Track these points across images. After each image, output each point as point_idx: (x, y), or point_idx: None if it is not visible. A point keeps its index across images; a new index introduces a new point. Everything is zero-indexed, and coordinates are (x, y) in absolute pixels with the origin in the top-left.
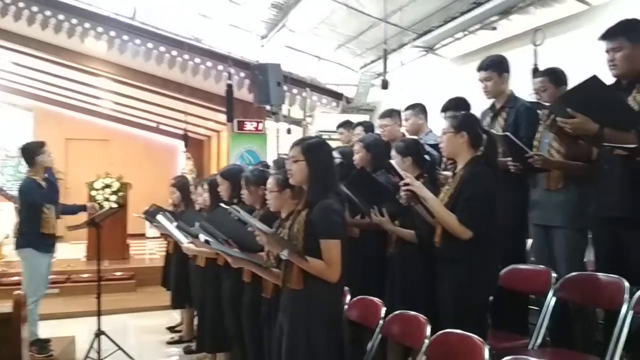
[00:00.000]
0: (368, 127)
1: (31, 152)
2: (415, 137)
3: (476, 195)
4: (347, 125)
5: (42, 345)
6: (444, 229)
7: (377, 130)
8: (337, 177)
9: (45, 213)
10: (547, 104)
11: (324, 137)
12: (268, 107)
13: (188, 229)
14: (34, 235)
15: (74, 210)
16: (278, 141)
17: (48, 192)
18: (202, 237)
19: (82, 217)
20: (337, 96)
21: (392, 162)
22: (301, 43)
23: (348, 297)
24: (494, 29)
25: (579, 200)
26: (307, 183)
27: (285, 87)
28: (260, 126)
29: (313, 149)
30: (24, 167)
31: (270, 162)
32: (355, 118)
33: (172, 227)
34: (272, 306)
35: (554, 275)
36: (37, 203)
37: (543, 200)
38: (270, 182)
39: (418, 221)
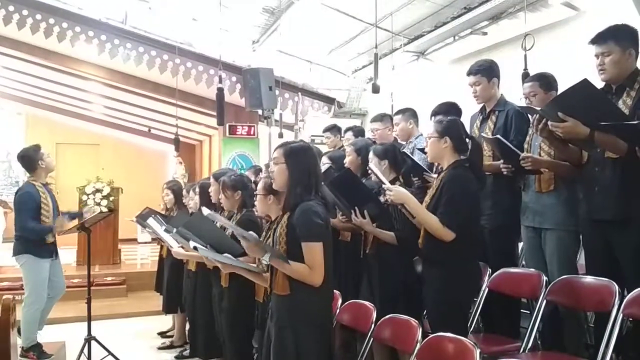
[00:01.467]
0: (358, 131)
1: (32, 158)
2: (405, 141)
3: (456, 196)
4: (334, 129)
5: (41, 350)
6: (426, 231)
7: (369, 134)
8: (321, 181)
9: (44, 221)
10: (537, 108)
11: (315, 141)
12: (260, 112)
13: (174, 236)
14: (30, 241)
15: (72, 217)
16: (270, 146)
17: (44, 202)
18: (192, 243)
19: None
20: (329, 101)
21: (372, 165)
22: (293, 47)
23: (339, 302)
24: (485, 34)
25: (570, 202)
26: (288, 186)
27: (277, 92)
28: (252, 130)
29: (294, 153)
30: (14, 172)
31: (262, 166)
32: (347, 123)
33: (162, 231)
34: (263, 311)
35: (544, 278)
36: (25, 216)
37: (534, 202)
38: (260, 185)
39: (399, 223)
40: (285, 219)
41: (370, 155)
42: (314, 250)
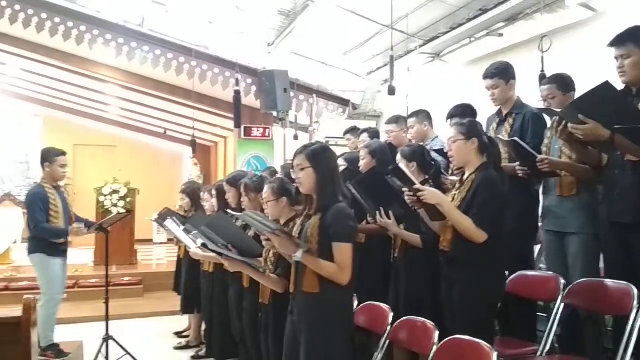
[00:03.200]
0: (373, 133)
1: (44, 157)
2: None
3: (490, 199)
4: (354, 131)
5: (58, 350)
6: (455, 233)
7: (383, 137)
8: (343, 182)
9: (52, 222)
10: (558, 110)
11: (330, 143)
12: (275, 114)
13: (195, 236)
14: (43, 240)
15: (89, 226)
16: (285, 147)
17: (53, 203)
18: (199, 240)
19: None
20: (343, 102)
21: (402, 165)
22: (308, 50)
23: (355, 303)
24: (501, 35)
25: (592, 206)
26: (316, 188)
27: (292, 94)
28: (267, 132)
29: (317, 155)
30: (32, 173)
31: (278, 168)
32: (362, 124)
33: (180, 232)
34: (270, 312)
35: (562, 281)
36: (37, 215)
37: (556, 206)
38: (266, 191)
39: (424, 225)
40: (316, 220)
41: (398, 157)
42: (345, 251)
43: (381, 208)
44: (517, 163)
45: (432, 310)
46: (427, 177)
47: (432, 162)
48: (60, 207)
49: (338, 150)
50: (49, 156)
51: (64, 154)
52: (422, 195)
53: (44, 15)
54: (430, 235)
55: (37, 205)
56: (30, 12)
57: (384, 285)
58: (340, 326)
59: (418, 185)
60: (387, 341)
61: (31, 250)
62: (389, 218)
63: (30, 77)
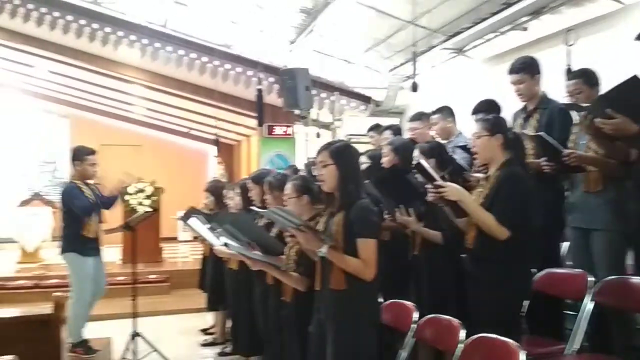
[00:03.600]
0: (396, 130)
1: (75, 156)
2: (445, 140)
3: (513, 196)
4: (377, 128)
5: (87, 346)
6: (479, 230)
7: (406, 134)
8: (364, 179)
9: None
10: (584, 105)
11: (352, 140)
12: (297, 112)
13: (219, 233)
14: (76, 239)
15: (112, 200)
16: (307, 145)
17: (87, 199)
18: (222, 239)
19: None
20: (365, 99)
21: (423, 162)
22: (329, 47)
23: (380, 301)
24: (525, 29)
25: (619, 202)
26: (339, 185)
27: (313, 91)
28: (289, 130)
29: (340, 152)
30: (60, 173)
31: (300, 166)
32: (384, 121)
33: (205, 230)
34: (291, 310)
35: (590, 279)
36: (77, 209)
37: (582, 202)
38: (288, 188)
39: (444, 223)
40: (340, 217)
41: (416, 153)
42: (369, 246)
43: (401, 205)
44: (543, 158)
45: (454, 308)
46: (443, 174)
47: (450, 159)
48: (94, 199)
49: (360, 148)
50: (79, 155)
51: (93, 152)
52: (444, 192)
53: (70, 18)
54: (451, 232)
55: (76, 197)
56: (57, 14)
57: (403, 284)
58: (367, 323)
59: (440, 182)
60: (413, 339)
61: (64, 249)
62: (409, 215)
63: (57, 79)
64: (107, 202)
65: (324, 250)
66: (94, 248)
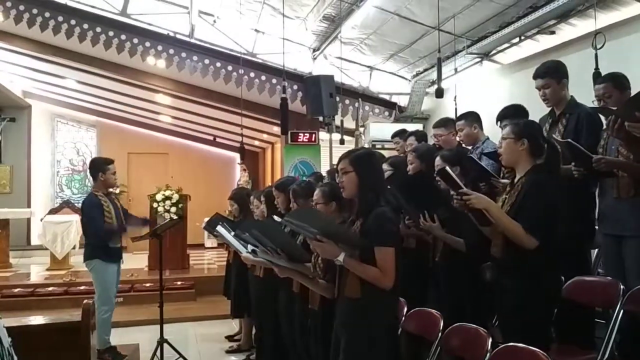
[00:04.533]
0: (420, 136)
1: (96, 168)
2: (470, 146)
3: (541, 203)
4: (402, 134)
5: (115, 352)
6: (506, 239)
7: (431, 140)
8: (386, 186)
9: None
10: (613, 108)
11: (377, 147)
12: (321, 119)
13: (244, 238)
14: (99, 247)
15: (135, 223)
16: (331, 152)
17: (102, 222)
18: (250, 246)
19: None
20: (389, 105)
21: (447, 169)
22: (353, 54)
23: (405, 309)
24: (553, 33)
25: None
26: (359, 193)
27: (337, 98)
28: (314, 137)
29: (361, 160)
30: (89, 181)
31: (323, 173)
32: (409, 127)
33: (230, 237)
34: (318, 318)
35: (621, 287)
36: (97, 221)
37: (613, 209)
38: (317, 194)
39: (466, 230)
40: (358, 224)
41: (439, 161)
42: (386, 255)
43: (425, 211)
44: (573, 164)
45: (472, 315)
46: (465, 181)
47: (475, 165)
48: (113, 214)
49: (385, 154)
50: (101, 166)
51: (112, 161)
52: (469, 200)
53: (98, 29)
54: (473, 239)
55: (95, 213)
56: (85, 26)
57: (423, 290)
58: (382, 332)
59: (465, 190)
60: (439, 348)
61: (87, 257)
62: (433, 221)
63: (86, 89)
64: (131, 221)
65: (341, 258)
66: (117, 255)
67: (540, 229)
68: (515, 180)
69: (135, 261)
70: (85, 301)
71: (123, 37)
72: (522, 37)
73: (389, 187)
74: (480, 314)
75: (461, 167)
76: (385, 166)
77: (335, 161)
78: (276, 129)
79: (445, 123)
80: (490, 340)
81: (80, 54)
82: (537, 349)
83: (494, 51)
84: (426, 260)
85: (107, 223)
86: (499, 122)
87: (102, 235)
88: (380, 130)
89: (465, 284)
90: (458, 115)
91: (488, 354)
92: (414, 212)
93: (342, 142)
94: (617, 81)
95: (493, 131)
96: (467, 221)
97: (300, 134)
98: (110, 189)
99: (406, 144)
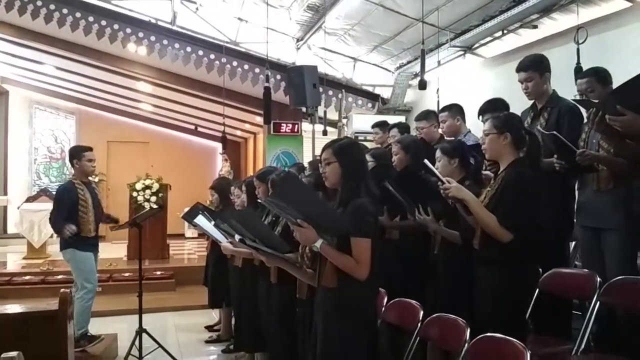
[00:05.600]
0: (403, 128)
1: (72, 155)
2: (451, 139)
3: (517, 197)
4: (382, 125)
5: (90, 336)
6: (484, 231)
7: (414, 132)
8: (370, 177)
9: (82, 217)
10: (594, 101)
11: (359, 138)
12: (304, 109)
13: (224, 228)
14: (73, 236)
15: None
16: (314, 143)
17: (82, 199)
18: (237, 236)
19: (124, 217)
20: (373, 97)
21: (426, 161)
22: (337, 45)
23: (385, 299)
24: (535, 27)
25: (630, 202)
26: (342, 183)
27: (321, 89)
28: (296, 128)
29: (344, 150)
30: (68, 169)
31: (306, 164)
32: (392, 119)
33: (210, 227)
34: (306, 307)
35: (598, 279)
36: (72, 206)
37: (592, 202)
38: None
39: (464, 222)
40: None
41: (438, 154)
42: (362, 246)
43: (420, 205)
44: (554, 157)
45: (469, 308)
46: (467, 174)
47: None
48: (89, 203)
49: (368, 145)
50: (76, 153)
51: (90, 149)
52: (449, 191)
53: (78, 15)
54: (470, 232)
55: (62, 201)
56: (65, 11)
57: (420, 283)
58: (358, 322)
59: (444, 180)
60: (418, 338)
61: (62, 246)
62: (427, 215)
63: (65, 75)
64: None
65: (318, 245)
66: (93, 244)
67: (515, 223)
68: (498, 173)
69: (114, 251)
70: (62, 290)
71: (103, 22)
72: (505, 31)
73: (386, 180)
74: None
75: (460, 160)
76: (368, 157)
77: (317, 152)
78: (259, 119)
79: (426, 116)
80: (469, 330)
81: (59, 39)
82: (515, 340)
83: (477, 44)
84: (424, 252)
85: (80, 212)
86: (480, 116)
87: (52, 223)
88: (363, 121)
89: (461, 276)
90: (441, 107)
91: (466, 344)
92: (410, 206)
93: (325, 133)
94: (600, 76)
95: (475, 124)
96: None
97: (282, 125)
98: (90, 178)
99: (389, 136)
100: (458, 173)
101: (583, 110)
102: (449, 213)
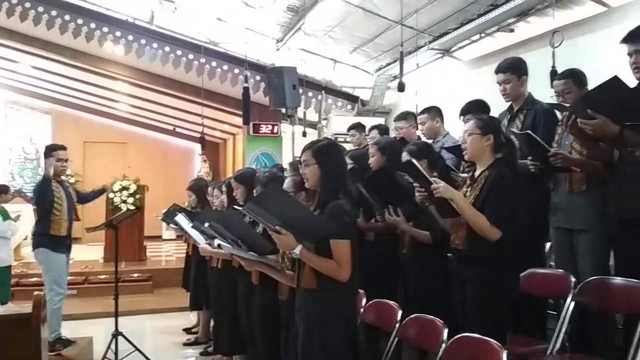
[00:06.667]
0: (383, 130)
1: (44, 154)
2: (431, 140)
3: (504, 196)
4: (358, 127)
5: (65, 341)
6: (469, 231)
7: (393, 133)
8: (348, 178)
9: (55, 215)
10: (568, 105)
11: (339, 140)
12: (284, 110)
13: (203, 230)
14: (45, 236)
15: (92, 197)
16: (293, 144)
17: (57, 196)
18: (217, 241)
19: (101, 218)
20: (352, 99)
21: (415, 161)
22: (317, 46)
23: (364, 300)
24: (512, 31)
25: (603, 203)
26: (321, 184)
27: (300, 90)
28: (276, 129)
29: (323, 151)
30: (42, 170)
31: (285, 165)
32: (371, 121)
33: (189, 228)
34: (287, 308)
35: (573, 279)
36: (46, 204)
37: (566, 203)
38: (288, 183)
39: (434, 222)
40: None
41: (405, 155)
42: (342, 248)
43: (390, 206)
44: (529, 159)
45: (440, 307)
46: (435, 174)
47: (440, 157)
48: (64, 202)
49: (347, 147)
50: (47, 152)
51: (62, 148)
52: (437, 190)
53: (54, 13)
54: (440, 232)
55: (44, 197)
56: (41, 9)
57: (393, 283)
58: (338, 323)
59: (433, 179)
60: (396, 339)
61: (35, 246)
62: (397, 215)
63: (41, 75)
64: (85, 198)
65: (297, 251)
66: (65, 245)
67: (503, 221)
68: (477, 173)
69: (90, 252)
70: (35, 293)
71: (80, 21)
72: (483, 34)
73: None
74: (446, 304)
75: (429, 160)
76: (346, 159)
77: (297, 153)
78: (238, 120)
79: (405, 116)
80: (447, 330)
81: (35, 38)
82: (491, 339)
83: (455, 47)
84: (394, 251)
85: (54, 211)
86: (461, 117)
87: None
88: (343, 123)
89: (432, 275)
90: (421, 109)
91: (444, 344)
92: (380, 207)
93: (304, 134)
94: (577, 78)
95: (454, 126)
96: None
97: (262, 126)
98: (63, 177)
99: (369, 138)
100: (427, 173)
101: (558, 113)
102: (419, 214)
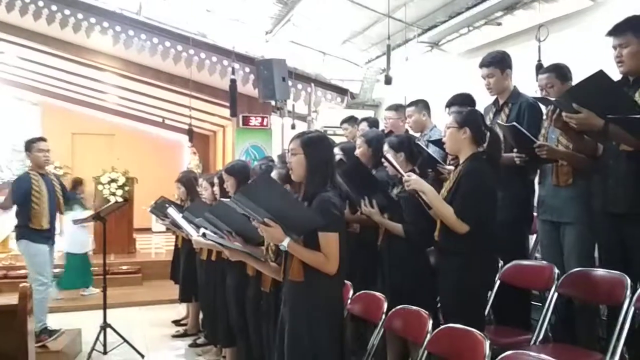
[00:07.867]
0: (373, 122)
1: (25, 148)
2: (418, 133)
3: (473, 190)
4: (351, 120)
5: (50, 330)
6: (443, 223)
7: (382, 122)
8: (336, 172)
9: (34, 208)
10: (553, 99)
11: (328, 133)
12: (273, 103)
13: (195, 221)
14: (26, 228)
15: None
16: (283, 136)
17: (36, 189)
18: (201, 230)
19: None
20: (342, 92)
21: (389, 156)
22: (306, 38)
23: (351, 292)
24: (499, 24)
25: (588, 196)
26: (306, 176)
27: (290, 83)
28: (265, 121)
29: (312, 143)
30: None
31: (275, 157)
32: (360, 114)
33: (182, 220)
34: (271, 300)
35: (556, 271)
36: (19, 196)
37: (552, 196)
38: (274, 176)
39: (408, 215)
40: None
41: (386, 147)
42: (330, 240)
43: (365, 197)
44: (515, 151)
45: (415, 298)
46: (414, 167)
47: (419, 152)
48: (44, 194)
49: (336, 140)
50: (27, 145)
51: (42, 139)
52: (407, 183)
53: (41, 3)
54: (414, 225)
55: (16, 190)
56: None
57: (372, 273)
58: (325, 315)
59: (404, 174)
60: (382, 330)
61: (17, 237)
62: (372, 207)
63: (28, 65)
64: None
65: (285, 244)
66: (47, 237)
67: (471, 215)
68: (458, 166)
69: None
70: (21, 284)
71: (67, 12)
72: (470, 28)
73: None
74: (425, 297)
75: (406, 154)
76: (336, 150)
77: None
78: (227, 112)
79: (397, 108)
80: (432, 321)
81: (22, 28)
82: (475, 330)
83: (443, 41)
84: (373, 243)
85: (33, 203)
86: (447, 109)
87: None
88: (332, 116)
89: (407, 267)
90: (408, 102)
91: (429, 335)
92: (356, 197)
93: (293, 127)
94: (560, 72)
95: (442, 119)
96: (411, 207)
97: (251, 118)
98: (47, 169)
99: (358, 130)
100: (405, 167)
101: (543, 107)
102: (392, 206)
